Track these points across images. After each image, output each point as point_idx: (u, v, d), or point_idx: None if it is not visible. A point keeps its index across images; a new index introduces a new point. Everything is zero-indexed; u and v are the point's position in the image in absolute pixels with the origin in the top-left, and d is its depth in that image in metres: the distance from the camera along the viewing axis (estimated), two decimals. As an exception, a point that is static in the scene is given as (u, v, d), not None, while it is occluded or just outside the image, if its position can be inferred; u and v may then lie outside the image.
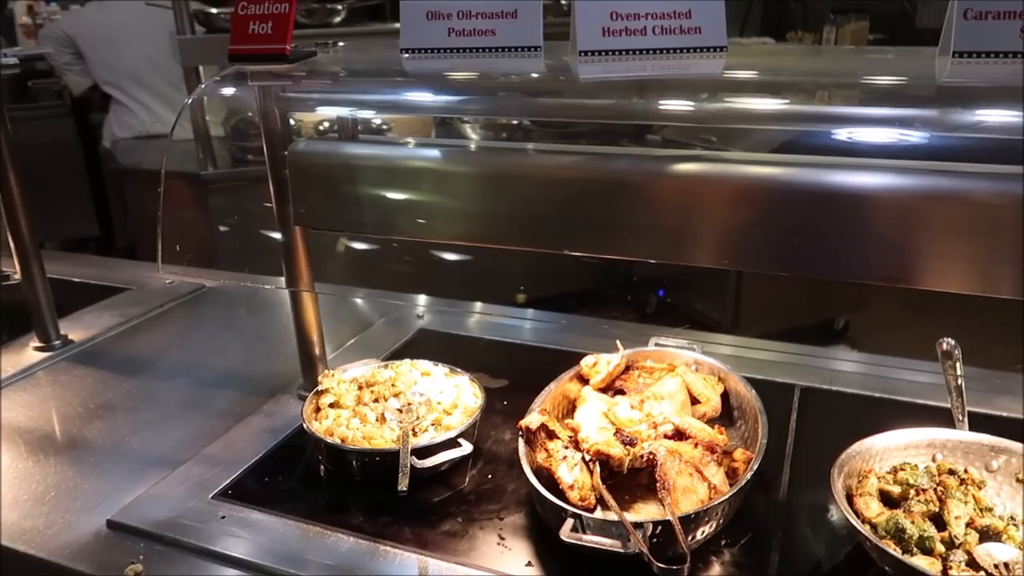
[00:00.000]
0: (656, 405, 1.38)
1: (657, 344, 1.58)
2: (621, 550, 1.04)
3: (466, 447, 1.29)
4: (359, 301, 2.13)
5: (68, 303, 2.05)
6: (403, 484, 1.17)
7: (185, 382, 1.72)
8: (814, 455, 1.37)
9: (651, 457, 1.22)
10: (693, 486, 1.18)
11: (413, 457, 1.23)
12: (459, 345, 1.85)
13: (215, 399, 1.64)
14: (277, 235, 1.48)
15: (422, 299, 2.10)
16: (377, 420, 1.40)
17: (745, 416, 1.40)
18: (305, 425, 1.35)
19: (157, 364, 1.81)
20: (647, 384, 1.44)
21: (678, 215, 1.22)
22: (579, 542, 1.06)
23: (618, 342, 1.50)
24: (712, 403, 1.43)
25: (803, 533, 1.21)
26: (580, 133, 3.14)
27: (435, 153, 1.32)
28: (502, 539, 1.19)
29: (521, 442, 1.26)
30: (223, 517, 1.25)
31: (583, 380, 1.49)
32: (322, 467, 1.38)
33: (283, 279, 1.53)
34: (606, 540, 1.05)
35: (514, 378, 1.64)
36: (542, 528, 1.20)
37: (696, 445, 1.24)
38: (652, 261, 1.23)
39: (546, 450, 1.26)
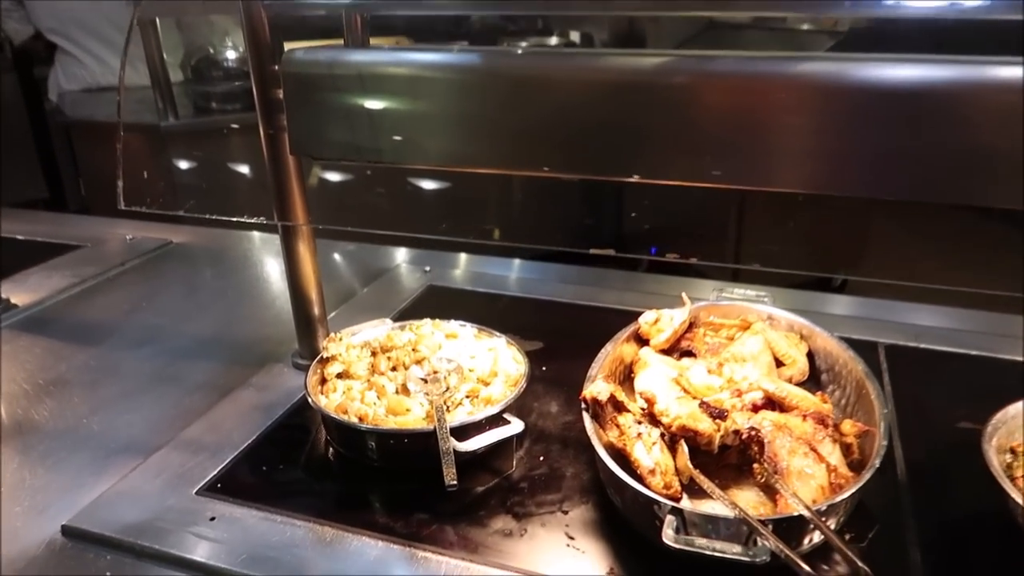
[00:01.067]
0: (738, 369, 1.14)
1: (721, 297, 1.34)
2: (747, 558, 0.80)
3: (516, 424, 1.04)
4: (352, 256, 1.86)
5: (11, 264, 1.75)
6: (450, 476, 0.91)
7: (154, 351, 1.44)
8: (925, 426, 1.16)
9: (753, 434, 0.98)
10: (811, 469, 0.95)
11: (454, 439, 0.98)
12: (476, 303, 1.59)
13: (192, 371, 1.36)
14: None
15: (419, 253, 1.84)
16: (397, 393, 1.14)
17: (840, 380, 1.17)
18: (311, 400, 1.09)
19: (119, 330, 1.53)
20: (721, 344, 1.20)
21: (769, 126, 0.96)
22: (690, 548, 0.82)
23: (684, 295, 1.26)
24: (799, 365, 1.20)
25: (939, 522, 0.98)
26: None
27: (475, 59, 1.05)
28: (571, 539, 0.95)
29: (587, 417, 1.01)
30: (212, 519, 0.98)
31: (641, 340, 1.25)
32: (331, 450, 1.12)
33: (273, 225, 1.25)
34: (731, 547, 0.81)
35: (548, 339, 1.39)
36: (618, 522, 0.96)
37: (804, 418, 1.01)
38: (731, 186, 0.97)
39: (617, 426, 1.01)
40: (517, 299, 1.60)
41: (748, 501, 0.97)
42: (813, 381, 1.21)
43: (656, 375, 1.16)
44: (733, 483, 1.02)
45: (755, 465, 0.98)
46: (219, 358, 1.41)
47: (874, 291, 1.66)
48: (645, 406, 1.05)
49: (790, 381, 1.18)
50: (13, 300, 1.61)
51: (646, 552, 0.90)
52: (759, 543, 0.81)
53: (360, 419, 1.04)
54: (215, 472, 1.07)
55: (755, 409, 1.08)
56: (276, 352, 1.39)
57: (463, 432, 1.01)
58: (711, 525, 0.85)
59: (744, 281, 1.63)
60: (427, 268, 1.73)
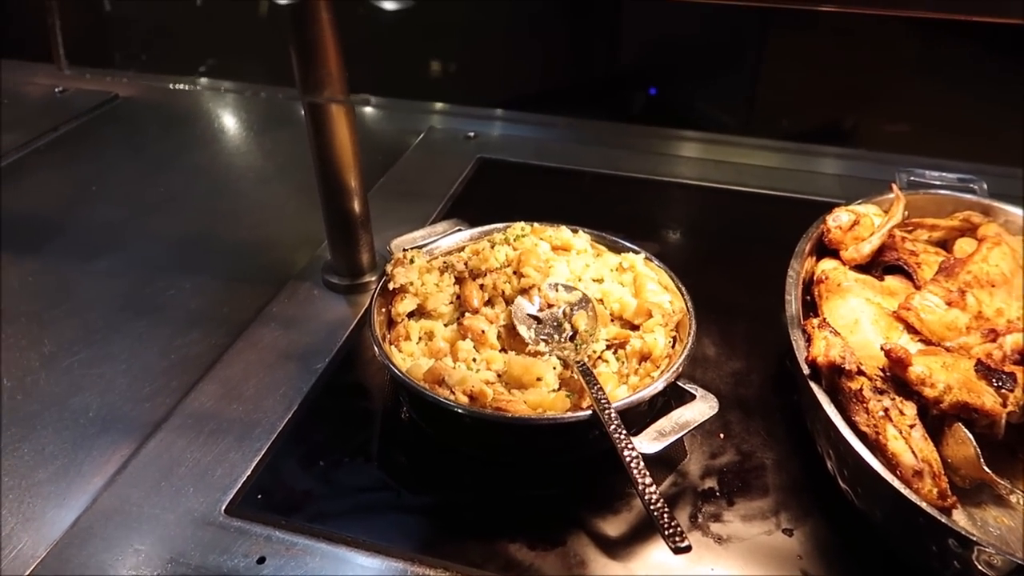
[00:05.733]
0: (986, 298, 0.81)
1: (911, 182, 0.98)
2: None
3: (707, 401, 0.69)
4: (365, 115, 1.42)
5: None
6: (678, 540, 0.55)
7: (118, 263, 1.03)
8: None
9: (1079, 416, 0.66)
10: None
11: (635, 440, 0.63)
12: (549, 184, 1.21)
13: (179, 294, 0.97)
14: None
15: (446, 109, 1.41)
16: (499, 340, 0.78)
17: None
18: (390, 367, 0.72)
19: (63, 231, 1.10)
20: (952, 262, 0.85)
21: None
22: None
23: (895, 184, 0.90)
24: (1047, 286, 0.87)
25: None
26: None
27: None
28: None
29: (818, 391, 0.68)
30: (262, 560, 0.64)
31: (824, 251, 0.90)
32: (412, 426, 0.77)
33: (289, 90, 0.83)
34: None
35: (659, 237, 1.03)
36: (873, 547, 0.65)
37: None
38: None
39: (862, 404, 0.68)
40: (601, 176, 1.21)
41: (1040, 503, 0.67)
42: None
43: (860, 307, 0.82)
44: (1006, 474, 0.71)
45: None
46: (213, 272, 1.01)
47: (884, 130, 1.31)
48: (883, 367, 0.72)
49: (1037, 308, 0.86)
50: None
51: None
52: None
53: (472, 398, 0.68)
54: (248, 472, 0.71)
55: (1021, 360, 0.77)
56: (292, 262, 1.01)
57: (627, 418, 0.67)
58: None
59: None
60: (471, 133, 1.32)
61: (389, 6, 1.30)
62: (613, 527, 0.67)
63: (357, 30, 1.28)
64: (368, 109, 1.42)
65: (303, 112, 0.84)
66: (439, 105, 1.41)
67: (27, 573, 0.64)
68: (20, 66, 1.55)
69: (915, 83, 1.25)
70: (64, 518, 0.68)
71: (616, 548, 0.65)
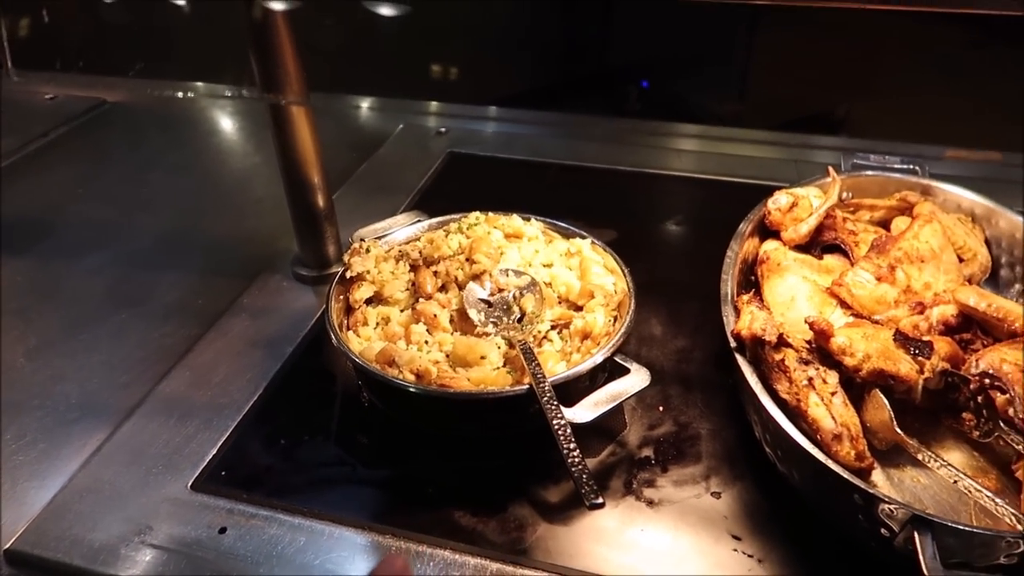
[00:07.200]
0: (915, 273, 0.85)
1: (855, 164, 1.02)
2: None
3: (639, 374, 0.74)
4: (340, 115, 1.47)
5: None
6: (592, 497, 0.60)
7: (103, 260, 1.09)
8: None
9: (987, 382, 0.70)
10: (1075, 431, 0.68)
11: (567, 410, 0.68)
12: (514, 175, 1.25)
13: (157, 287, 1.02)
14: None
15: (432, 105, 1.45)
16: (451, 323, 0.83)
17: (1035, 279, 0.89)
18: (343, 348, 0.76)
19: (53, 230, 1.16)
20: (883, 239, 0.89)
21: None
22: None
23: (831, 167, 0.94)
24: (980, 260, 0.91)
25: None
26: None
27: None
28: (737, 539, 0.68)
29: (742, 361, 0.72)
30: (223, 530, 0.69)
31: (767, 232, 0.94)
32: (369, 407, 0.82)
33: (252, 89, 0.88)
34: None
35: (618, 224, 1.07)
36: (794, 508, 0.70)
37: (1041, 349, 0.73)
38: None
39: (784, 373, 0.72)
40: (565, 167, 1.25)
41: (957, 465, 0.71)
42: (991, 280, 0.93)
43: (797, 285, 0.86)
44: (927, 436, 0.75)
45: (975, 421, 0.71)
46: (191, 266, 1.06)
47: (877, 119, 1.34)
48: (808, 340, 0.76)
49: (970, 282, 0.90)
50: (-99, 192, 1.21)
51: (850, 556, 0.64)
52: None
53: (418, 376, 0.73)
54: (214, 451, 0.76)
55: (947, 331, 0.80)
56: (265, 256, 1.06)
57: (567, 391, 0.71)
58: (980, 544, 0.58)
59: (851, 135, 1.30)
60: (442, 129, 1.36)
61: (384, 11, 1.34)
62: (552, 495, 0.72)
63: (336, 30, 1.32)
64: (344, 107, 1.46)
65: (269, 121, 0.89)
66: (414, 103, 1.45)
67: (7, 546, 0.69)
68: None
69: (902, 72, 1.28)
70: (43, 497, 0.73)
71: (553, 512, 0.70)
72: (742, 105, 1.46)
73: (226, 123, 1.47)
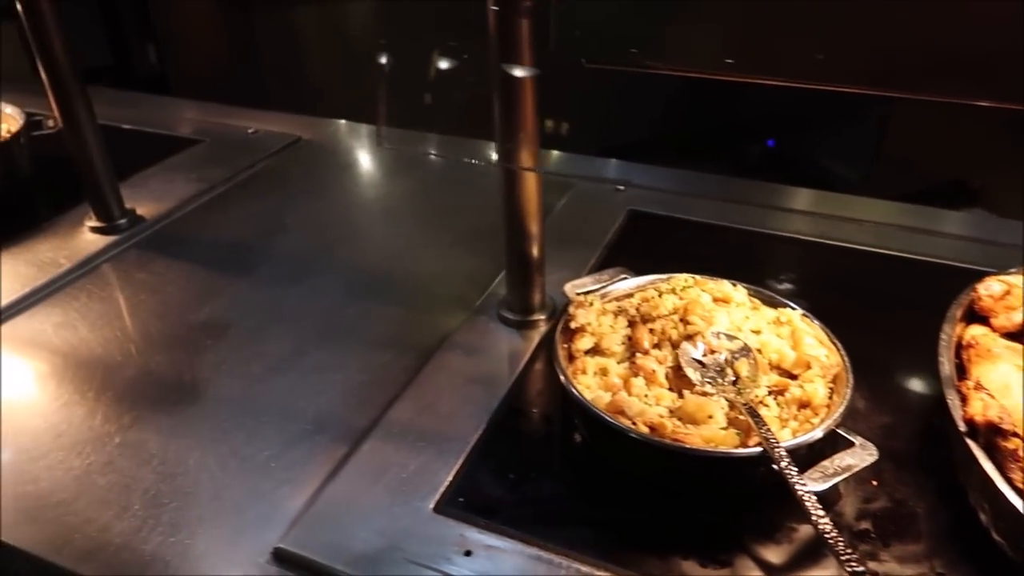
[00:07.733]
0: None
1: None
2: None
3: (866, 449, 0.77)
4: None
5: (121, 162, 1.46)
6: (855, 565, 0.63)
7: (316, 289, 1.18)
8: None
9: None
10: None
11: (805, 480, 0.71)
12: (698, 238, 1.30)
13: (369, 318, 1.11)
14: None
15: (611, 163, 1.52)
16: (666, 379, 0.88)
17: None
18: (577, 397, 0.82)
19: (268, 258, 1.27)
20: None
21: None
22: None
23: (1047, 260, 0.95)
24: None
25: None
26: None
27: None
28: (970, 623, 0.69)
29: (975, 447, 0.74)
30: (468, 553, 0.75)
31: (976, 317, 0.95)
32: (585, 449, 0.87)
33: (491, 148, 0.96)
34: None
35: (810, 295, 1.09)
36: (1021, 596, 0.71)
37: None
38: None
39: (1018, 463, 0.73)
40: (751, 234, 1.29)
41: None
42: None
43: (1010, 373, 0.87)
44: None
45: None
46: (398, 302, 1.15)
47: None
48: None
49: None
50: (138, 211, 1.35)
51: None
52: None
53: (652, 429, 0.78)
54: (449, 479, 0.83)
55: None
56: (467, 297, 1.13)
57: (793, 458, 0.74)
58: None
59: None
60: (620, 187, 1.43)
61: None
62: (775, 555, 0.75)
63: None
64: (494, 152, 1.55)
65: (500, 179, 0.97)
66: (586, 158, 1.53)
67: (278, 544, 0.76)
68: (207, 107, 1.79)
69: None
70: (296, 503, 0.81)
71: (779, 574, 0.73)
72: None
73: (414, 164, 1.57)
